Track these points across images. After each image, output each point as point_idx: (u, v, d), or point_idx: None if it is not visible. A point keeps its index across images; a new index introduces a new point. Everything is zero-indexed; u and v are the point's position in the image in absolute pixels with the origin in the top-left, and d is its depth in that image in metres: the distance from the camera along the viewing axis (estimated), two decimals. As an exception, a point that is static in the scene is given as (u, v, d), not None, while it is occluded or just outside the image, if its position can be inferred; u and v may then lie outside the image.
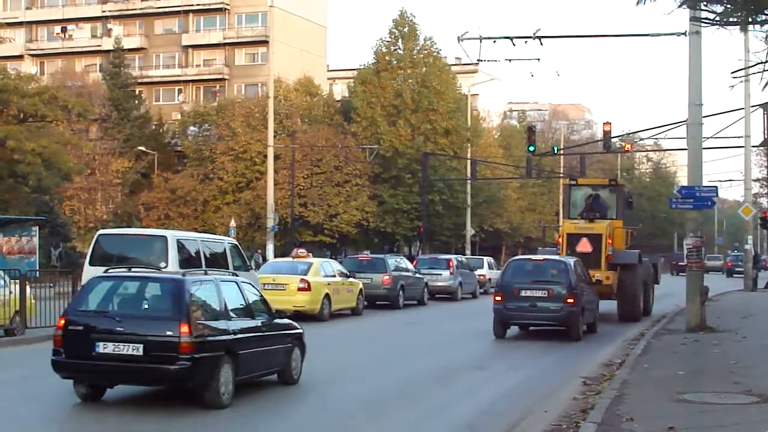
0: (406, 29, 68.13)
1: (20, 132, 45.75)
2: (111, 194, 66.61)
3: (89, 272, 20.19)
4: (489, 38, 33.83)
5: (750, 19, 15.02)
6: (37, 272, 34.92)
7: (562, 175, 74.54)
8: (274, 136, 53.54)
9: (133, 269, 14.27)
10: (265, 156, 54.16)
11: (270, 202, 50.44)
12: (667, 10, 57.38)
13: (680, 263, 66.00)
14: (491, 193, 72.31)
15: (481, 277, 44.75)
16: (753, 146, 45.13)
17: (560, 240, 28.72)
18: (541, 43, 32.83)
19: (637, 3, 15.30)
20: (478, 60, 36.91)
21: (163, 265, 19.73)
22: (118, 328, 12.41)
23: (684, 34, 24.40)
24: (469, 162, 64.38)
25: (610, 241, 28.20)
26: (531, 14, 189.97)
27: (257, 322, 14.10)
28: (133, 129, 69.75)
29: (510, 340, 22.77)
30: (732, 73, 37.24)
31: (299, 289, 26.80)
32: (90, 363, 12.49)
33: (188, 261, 20.60)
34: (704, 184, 24.46)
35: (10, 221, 43.75)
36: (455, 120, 67.12)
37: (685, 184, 26.32)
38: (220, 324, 13.02)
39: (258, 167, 62.81)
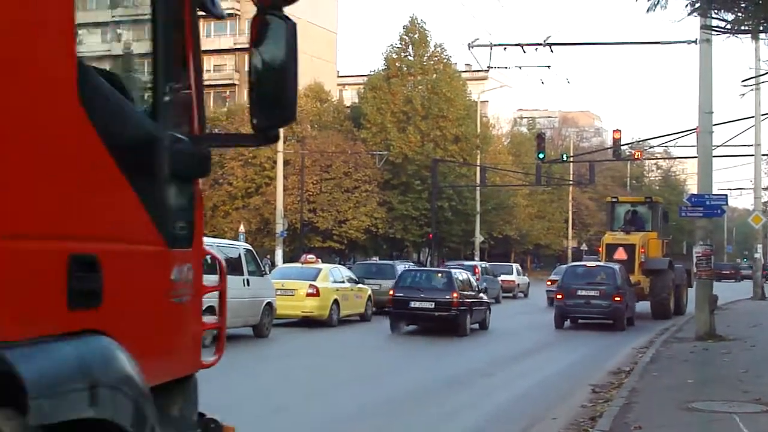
0: (416, 36, 68.20)
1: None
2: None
3: None
4: (499, 45, 33.91)
5: (761, 28, 15.01)
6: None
7: (571, 182, 74.57)
8: (284, 142, 53.67)
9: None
10: (275, 161, 54.21)
11: (279, 207, 50.47)
12: (677, 18, 57.36)
13: (723, 272, 71.81)
14: (500, 200, 72.30)
15: (510, 283, 45.63)
16: (763, 155, 45.12)
17: (601, 249, 34.24)
18: (552, 50, 32.85)
19: (648, 10, 15.31)
20: (488, 67, 36.91)
21: None
22: (421, 295, 25.40)
23: (695, 42, 24.42)
24: (478, 169, 64.40)
25: (644, 251, 32.97)
26: (541, 22, 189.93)
27: (474, 293, 26.84)
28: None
29: (516, 348, 22.77)
30: (743, 81, 37.22)
31: (308, 295, 26.80)
32: (407, 312, 25.57)
33: (203, 266, 20.47)
34: (714, 193, 24.44)
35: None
36: (465, 127, 67.13)
37: (695, 192, 26.30)
38: (466, 293, 25.87)
39: (267, 173, 62.86)
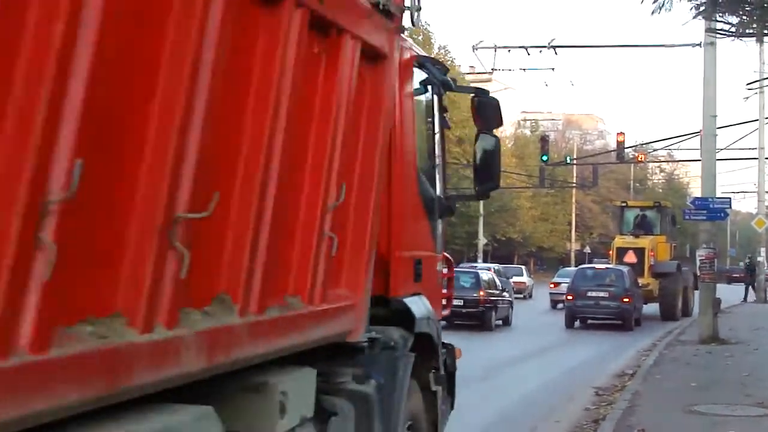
0: (420, 37, 68.24)
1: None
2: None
3: None
4: (504, 47, 33.97)
5: (766, 31, 15.00)
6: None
7: (575, 185, 74.55)
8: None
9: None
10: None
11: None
12: (682, 20, 57.39)
13: (734, 275, 74.53)
14: (504, 202, 72.27)
15: (521, 285, 45.95)
16: (767, 158, 45.02)
17: (611, 252, 35.49)
18: (556, 53, 32.91)
19: (652, 13, 15.32)
20: (492, 69, 36.96)
21: None
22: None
23: (699, 45, 24.41)
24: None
25: (653, 254, 33.88)
26: (546, 24, 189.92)
27: (498, 292, 28.28)
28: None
29: (519, 351, 22.78)
30: (747, 84, 37.23)
31: None
32: None
33: None
34: (717, 196, 24.43)
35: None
36: (468, 129, 67.13)
37: (698, 195, 26.30)
38: (491, 291, 27.53)
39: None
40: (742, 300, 46.65)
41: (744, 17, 14.69)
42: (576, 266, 52.14)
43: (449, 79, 7.82)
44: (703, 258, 23.49)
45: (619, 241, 35.61)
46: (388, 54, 5.48)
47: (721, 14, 15.55)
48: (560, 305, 36.60)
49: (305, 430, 4.59)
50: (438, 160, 7.60)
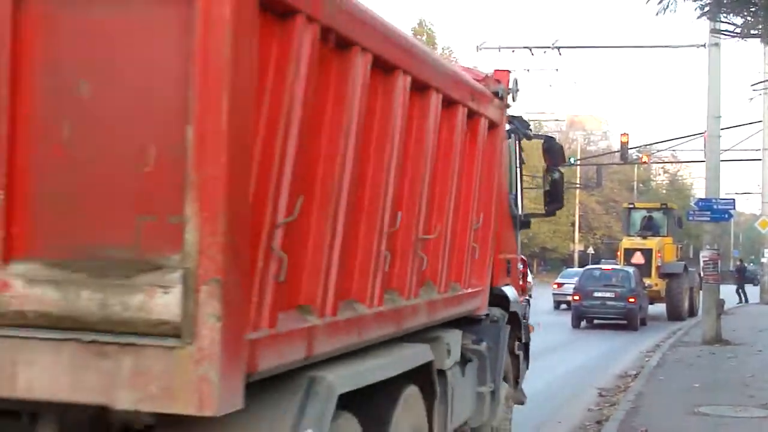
0: (424, 38, 68.19)
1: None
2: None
3: None
4: (507, 48, 33.81)
5: (770, 32, 14.97)
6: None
7: (578, 185, 74.54)
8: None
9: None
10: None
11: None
12: (686, 21, 57.36)
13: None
14: (507, 202, 72.21)
15: (528, 284, 45.90)
16: (771, 159, 44.97)
17: (619, 253, 36.15)
18: (560, 53, 32.81)
19: (657, 13, 15.28)
20: (495, 70, 36.93)
21: None
22: None
23: (703, 45, 24.36)
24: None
25: (660, 255, 34.43)
26: (550, 25, 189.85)
27: None
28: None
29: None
30: (752, 85, 37.20)
31: None
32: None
33: None
34: (721, 197, 24.40)
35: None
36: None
37: (702, 196, 26.27)
38: None
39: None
40: (739, 302, 46.61)
41: (749, 18, 14.65)
42: (579, 267, 52.12)
43: (528, 130, 10.65)
44: (707, 259, 23.47)
45: (626, 242, 36.13)
46: (500, 123, 8.46)
47: (725, 15, 15.52)
48: (563, 306, 36.61)
49: (455, 368, 7.41)
50: (518, 188, 10.27)
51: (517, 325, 9.71)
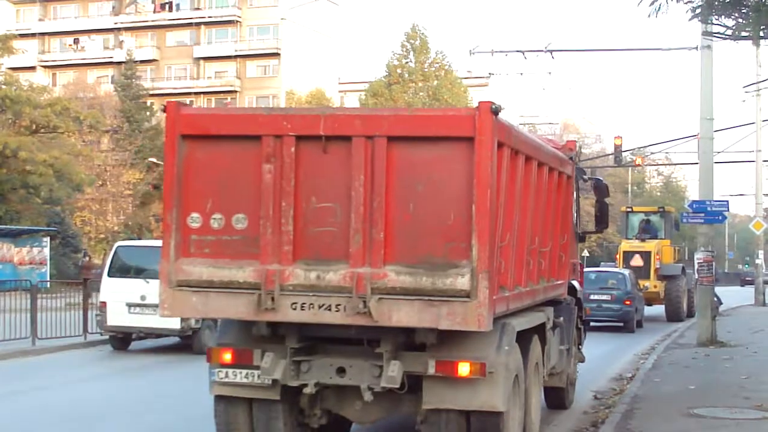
0: (417, 42, 68.27)
1: (32, 143, 45.98)
2: (122, 205, 66.72)
3: (108, 283, 20.68)
4: (500, 52, 33.83)
5: (762, 34, 14.99)
6: (48, 283, 34.97)
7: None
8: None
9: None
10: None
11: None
12: (678, 24, 57.35)
13: (746, 278, 79.03)
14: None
15: None
16: (764, 160, 45.06)
17: (618, 256, 36.77)
18: (553, 57, 32.77)
19: (648, 15, 15.29)
20: (489, 73, 37.03)
21: None
22: None
23: (696, 48, 24.38)
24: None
25: (658, 257, 35.17)
26: (542, 28, 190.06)
27: None
28: (144, 140, 69.73)
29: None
30: (744, 87, 37.25)
31: None
32: None
33: None
34: (715, 199, 24.41)
35: (22, 232, 43.92)
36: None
37: (696, 198, 26.29)
38: None
39: (269, 179, 62.71)
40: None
41: (740, 19, 14.66)
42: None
43: (584, 177, 15.24)
44: (701, 261, 23.48)
45: (625, 245, 36.59)
46: (572, 175, 13.01)
47: (717, 17, 15.53)
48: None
49: (550, 331, 11.53)
50: (576, 212, 14.23)
51: (580, 307, 14.51)
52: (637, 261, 34.89)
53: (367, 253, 8.49)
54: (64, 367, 18.64)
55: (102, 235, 63.66)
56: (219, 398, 9.69)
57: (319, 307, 8.57)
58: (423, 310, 8.35)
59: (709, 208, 23.47)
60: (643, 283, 33.46)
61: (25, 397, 14.84)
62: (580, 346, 14.70)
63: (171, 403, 14.39)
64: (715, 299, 24.80)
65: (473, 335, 8.74)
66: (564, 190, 12.21)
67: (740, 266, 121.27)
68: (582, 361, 14.82)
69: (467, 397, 8.99)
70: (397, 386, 8.85)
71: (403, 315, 8.39)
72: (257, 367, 9.12)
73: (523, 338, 9.96)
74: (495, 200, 8.42)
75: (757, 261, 48.84)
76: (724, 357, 19.86)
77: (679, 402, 13.64)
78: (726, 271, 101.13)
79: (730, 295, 47.75)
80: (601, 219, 15.08)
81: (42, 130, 49.37)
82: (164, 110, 9.15)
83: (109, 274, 20.83)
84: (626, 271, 31.70)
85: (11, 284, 29.94)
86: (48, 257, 44.44)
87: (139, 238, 54.41)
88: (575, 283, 13.79)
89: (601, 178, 16.05)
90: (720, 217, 24.20)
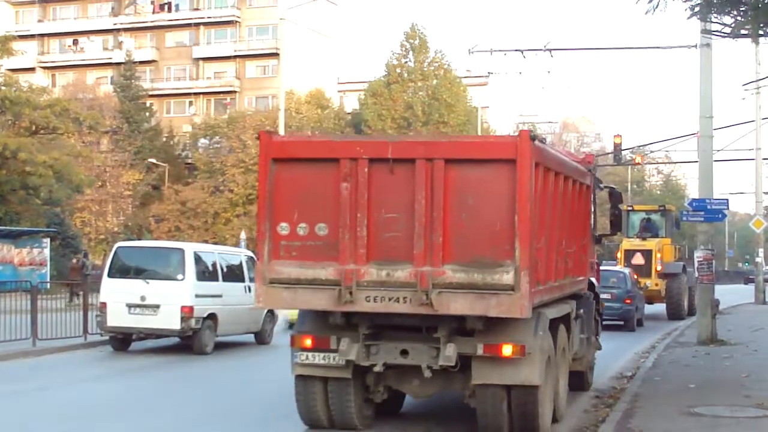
0: (416, 42, 68.31)
1: (32, 144, 45.89)
2: (122, 206, 66.79)
3: (108, 284, 20.67)
4: (499, 51, 33.89)
5: (761, 32, 14.98)
6: (48, 284, 34.95)
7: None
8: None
9: None
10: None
11: (280, 214, 50.30)
12: (678, 22, 57.38)
13: (749, 276, 78.33)
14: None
15: None
16: (764, 158, 45.09)
17: (619, 255, 36.72)
18: (552, 56, 32.87)
19: (646, 12, 15.28)
20: (488, 72, 37.05)
21: (180, 276, 20.28)
22: None
23: (695, 46, 24.37)
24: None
25: (660, 256, 35.20)
26: (542, 27, 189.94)
27: None
28: (143, 141, 69.85)
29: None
30: (743, 85, 37.24)
31: None
32: None
33: (205, 273, 21.10)
34: (715, 197, 24.39)
35: (22, 233, 43.91)
36: (466, 132, 67.21)
37: (696, 196, 26.27)
38: None
39: (269, 179, 62.62)
40: None
41: (739, 17, 14.66)
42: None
43: (600, 185, 16.82)
44: (701, 259, 23.46)
45: (626, 244, 36.67)
46: (590, 185, 14.74)
47: (716, 15, 15.53)
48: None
49: (573, 321, 13.34)
50: (593, 217, 15.58)
51: (597, 301, 16.28)
52: (638, 259, 34.96)
53: (428, 255, 10.43)
54: (65, 368, 18.62)
55: (102, 236, 63.70)
56: (299, 377, 11.64)
57: (389, 299, 10.57)
58: (475, 301, 10.35)
59: (709, 207, 23.45)
60: (644, 281, 33.50)
61: (26, 397, 14.82)
62: (597, 336, 16.40)
63: (171, 404, 14.39)
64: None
65: (514, 322, 10.66)
66: (584, 199, 14.32)
67: (740, 264, 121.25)
68: (599, 349, 16.50)
69: (509, 374, 10.94)
70: (452, 365, 10.81)
71: (459, 305, 10.39)
72: (334, 351, 11.10)
73: (553, 326, 11.82)
74: (533, 210, 10.36)
75: (758, 259, 48.85)
76: (724, 355, 19.86)
77: (680, 400, 13.63)
78: (726, 269, 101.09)
79: (733, 293, 47.82)
80: (615, 224, 17.16)
81: (41, 131, 49.31)
82: (258, 138, 11.07)
83: (109, 275, 20.78)
84: (626, 270, 31.65)
85: (12, 285, 29.92)
86: (48, 258, 44.41)
87: (139, 239, 54.41)
88: (593, 280, 15.73)
89: (615, 187, 17.58)
90: (720, 216, 24.20)
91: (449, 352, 10.75)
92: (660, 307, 35.26)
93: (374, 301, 10.63)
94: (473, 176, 10.44)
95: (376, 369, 11.15)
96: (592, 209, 15.45)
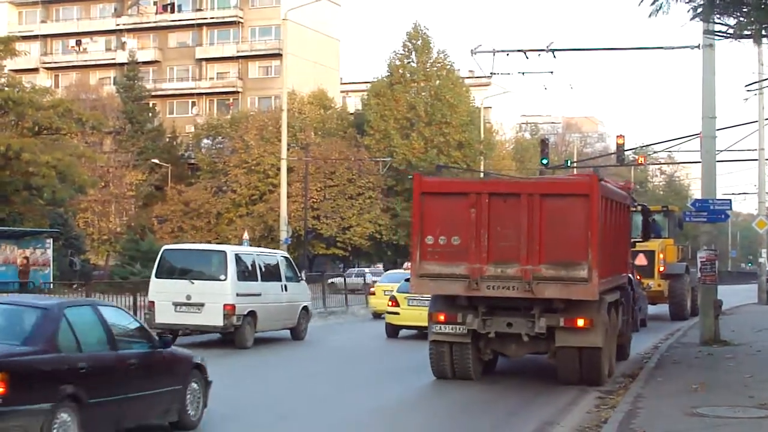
0: (419, 42, 68.22)
1: (35, 145, 45.81)
2: (125, 207, 66.80)
3: (156, 284, 22.28)
4: (502, 51, 33.82)
5: (763, 32, 15.00)
6: (51, 284, 34.98)
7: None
8: (288, 149, 53.50)
9: None
10: (279, 169, 54.16)
11: (283, 214, 50.44)
12: (680, 23, 57.33)
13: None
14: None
15: None
16: (767, 159, 45.03)
17: None
18: (554, 56, 32.79)
19: (650, 15, 15.31)
20: (491, 73, 36.95)
21: (222, 277, 21.70)
22: None
23: (697, 47, 24.36)
24: (482, 175, 64.30)
25: (662, 256, 35.06)
26: (544, 27, 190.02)
27: None
28: (146, 142, 69.90)
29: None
30: (746, 85, 37.19)
31: None
32: None
33: (245, 273, 22.47)
34: (718, 197, 24.37)
35: (25, 234, 43.90)
36: (468, 133, 67.15)
37: (699, 197, 26.24)
38: None
39: (271, 180, 62.82)
40: None
41: (741, 18, 14.67)
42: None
43: (635, 204, 22.06)
44: (704, 260, 23.42)
45: None
46: (630, 204, 20.88)
47: (718, 16, 15.55)
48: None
49: (618, 306, 18.41)
50: (630, 228, 21.26)
51: (634, 292, 21.23)
52: (641, 260, 34.25)
53: (530, 257, 15.67)
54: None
55: (105, 237, 63.72)
56: (434, 342, 16.73)
57: (503, 287, 15.84)
58: (561, 289, 15.65)
59: (711, 207, 23.42)
60: (646, 282, 33.33)
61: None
62: (635, 321, 22.22)
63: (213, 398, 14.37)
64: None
65: (585, 303, 15.82)
66: (625, 216, 19.96)
67: (743, 265, 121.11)
68: (636, 330, 22.43)
69: (581, 339, 16.06)
70: (543, 332, 15.99)
71: (551, 291, 15.72)
72: (460, 323, 16.29)
73: (609, 308, 16.89)
74: (599, 228, 15.71)
75: (761, 260, 48.75)
76: (727, 356, 19.85)
77: (682, 401, 13.63)
78: (729, 269, 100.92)
79: (737, 294, 47.72)
80: (646, 233, 24.06)
81: (45, 132, 49.25)
82: (411, 178, 16.96)
83: (157, 276, 22.25)
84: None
85: (14, 285, 29.95)
86: (51, 259, 44.40)
87: (142, 239, 54.44)
88: (631, 276, 21.53)
89: (646, 204, 24.65)
90: (723, 216, 24.16)
91: (541, 324, 15.91)
92: (663, 308, 35.25)
93: (493, 289, 15.85)
94: (560, 205, 15.87)
95: (490, 336, 16.28)
96: (631, 222, 21.19)
